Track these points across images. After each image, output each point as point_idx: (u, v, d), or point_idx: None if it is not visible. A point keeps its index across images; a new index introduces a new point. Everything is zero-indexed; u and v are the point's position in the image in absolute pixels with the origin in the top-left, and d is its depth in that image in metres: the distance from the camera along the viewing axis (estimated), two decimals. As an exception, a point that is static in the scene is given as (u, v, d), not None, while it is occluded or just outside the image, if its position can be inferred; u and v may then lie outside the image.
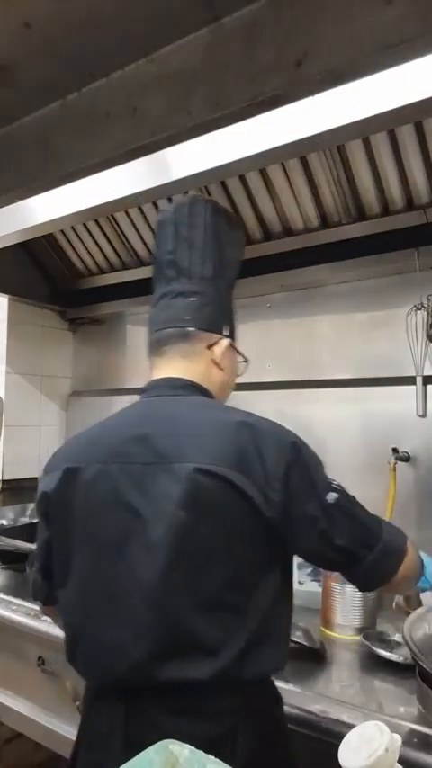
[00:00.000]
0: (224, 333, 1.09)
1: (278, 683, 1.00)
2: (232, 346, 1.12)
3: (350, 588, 1.50)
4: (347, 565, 0.95)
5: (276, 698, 1.01)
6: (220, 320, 1.09)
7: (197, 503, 0.87)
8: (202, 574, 0.88)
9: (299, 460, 0.91)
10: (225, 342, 1.08)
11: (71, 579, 0.98)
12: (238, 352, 1.15)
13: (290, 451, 0.91)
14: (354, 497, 0.96)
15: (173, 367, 1.05)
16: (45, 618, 1.64)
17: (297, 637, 1.33)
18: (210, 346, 1.07)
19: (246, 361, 1.16)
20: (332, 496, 0.91)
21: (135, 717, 0.89)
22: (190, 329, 1.05)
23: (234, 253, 1.16)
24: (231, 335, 1.11)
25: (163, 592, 0.87)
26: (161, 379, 1.06)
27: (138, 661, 0.88)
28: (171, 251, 1.08)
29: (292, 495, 0.88)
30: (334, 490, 0.92)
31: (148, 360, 1.12)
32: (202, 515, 0.87)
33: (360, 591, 1.35)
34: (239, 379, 2.21)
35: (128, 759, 0.68)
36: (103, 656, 0.93)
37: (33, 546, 1.98)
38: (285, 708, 1.04)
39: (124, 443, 0.96)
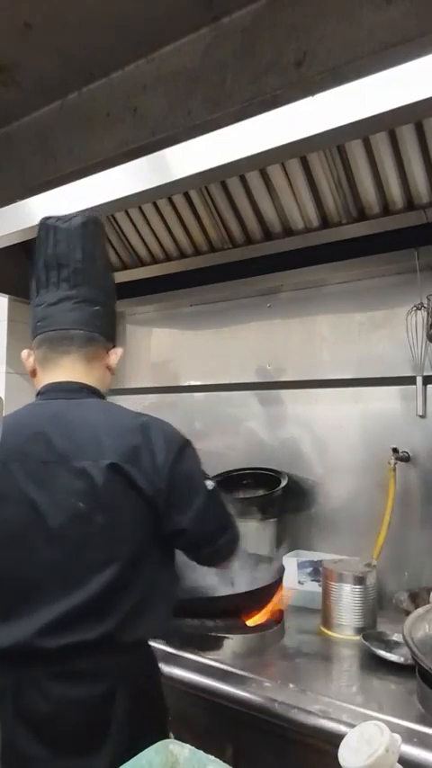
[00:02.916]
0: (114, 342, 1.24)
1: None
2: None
3: (349, 588, 1.50)
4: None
5: (150, 658, 1.12)
6: (114, 330, 1.24)
7: (93, 494, 1.00)
8: (99, 554, 1.01)
9: (183, 455, 1.07)
10: (120, 350, 1.22)
11: None
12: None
13: (176, 448, 1.06)
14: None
15: (73, 369, 1.15)
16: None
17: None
18: (107, 352, 1.19)
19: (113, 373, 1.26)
20: (210, 484, 1.09)
21: (25, 684, 0.99)
22: (96, 335, 1.16)
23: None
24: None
25: (66, 572, 1.00)
26: (59, 383, 1.15)
27: (35, 632, 0.98)
28: (80, 260, 1.16)
29: (175, 482, 1.04)
30: (210, 479, 1.10)
31: (33, 351, 1.22)
32: (98, 504, 1.01)
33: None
34: (241, 379, 2.24)
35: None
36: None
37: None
38: (286, 708, 1.04)
39: (25, 443, 1.06)
